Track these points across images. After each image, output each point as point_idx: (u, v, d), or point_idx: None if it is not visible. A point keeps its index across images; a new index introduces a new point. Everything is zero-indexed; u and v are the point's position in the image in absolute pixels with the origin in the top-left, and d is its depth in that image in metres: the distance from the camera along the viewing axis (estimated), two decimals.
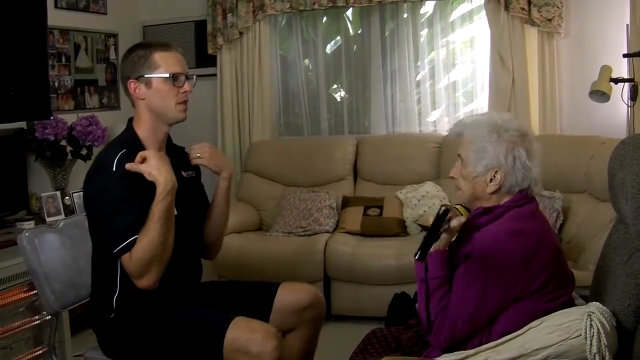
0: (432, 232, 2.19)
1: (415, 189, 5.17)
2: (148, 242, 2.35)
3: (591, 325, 1.96)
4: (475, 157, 2.29)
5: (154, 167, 2.39)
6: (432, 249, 2.22)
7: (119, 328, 2.57)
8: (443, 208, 2.21)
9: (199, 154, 2.80)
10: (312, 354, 2.94)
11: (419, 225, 4.80)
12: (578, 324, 1.98)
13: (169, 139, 2.77)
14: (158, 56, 2.58)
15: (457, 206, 2.34)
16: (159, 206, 2.38)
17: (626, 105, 4.64)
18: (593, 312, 1.99)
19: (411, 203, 5.05)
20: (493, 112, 2.39)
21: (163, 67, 2.58)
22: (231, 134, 6.03)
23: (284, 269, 4.75)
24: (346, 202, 5.30)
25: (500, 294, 2.13)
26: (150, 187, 2.49)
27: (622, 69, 4.68)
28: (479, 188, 2.32)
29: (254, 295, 2.83)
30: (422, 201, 5.01)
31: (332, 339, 3.59)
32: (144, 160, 2.42)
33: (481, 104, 5.51)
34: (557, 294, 2.18)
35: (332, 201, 5.27)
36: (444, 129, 5.63)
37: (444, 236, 2.24)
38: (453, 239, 2.35)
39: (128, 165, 2.42)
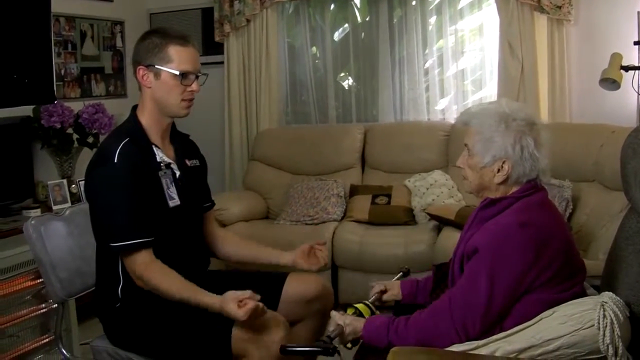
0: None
1: (423, 177, 5.15)
2: (157, 285, 2.42)
3: (604, 316, 1.94)
4: (483, 147, 2.25)
5: (234, 310, 2.29)
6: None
7: (125, 318, 2.57)
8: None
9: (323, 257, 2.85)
10: None
11: (428, 213, 4.77)
12: (591, 314, 1.95)
13: (173, 126, 2.76)
14: (173, 50, 2.56)
15: (358, 305, 2.43)
16: (191, 298, 2.39)
17: (637, 94, 4.58)
18: (606, 302, 1.96)
19: (419, 191, 5.02)
20: (502, 100, 2.34)
21: (175, 62, 2.55)
22: (238, 122, 6.01)
23: None
24: (354, 191, 5.28)
25: (510, 287, 2.08)
26: (153, 179, 2.49)
27: (632, 56, 4.62)
28: (486, 178, 2.28)
29: (261, 285, 2.80)
30: (430, 190, 4.98)
31: None
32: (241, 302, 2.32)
33: (490, 92, 5.46)
34: (569, 284, 2.14)
35: (339, 190, 5.25)
36: (452, 117, 5.60)
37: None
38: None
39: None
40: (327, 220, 5.05)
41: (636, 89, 4.54)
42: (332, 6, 6.01)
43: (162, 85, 2.57)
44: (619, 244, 2.39)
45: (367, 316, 2.40)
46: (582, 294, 2.20)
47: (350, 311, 2.43)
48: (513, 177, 2.24)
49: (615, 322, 1.93)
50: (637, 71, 4.51)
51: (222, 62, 6.00)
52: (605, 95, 4.67)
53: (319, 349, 2.20)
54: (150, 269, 2.42)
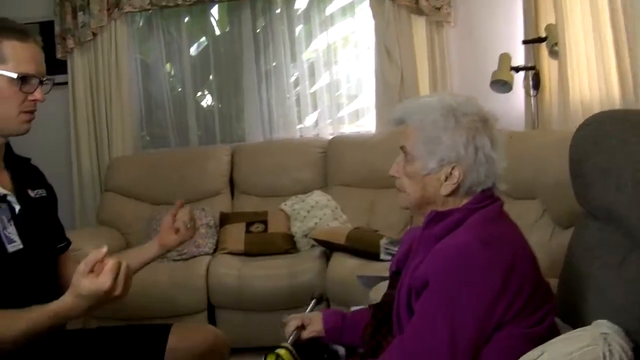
0: None
1: (302, 199, 4.75)
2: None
3: (611, 352, 1.49)
4: (426, 149, 1.78)
5: (87, 286, 1.72)
6: None
7: None
8: None
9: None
10: None
11: (313, 239, 4.34)
12: (592, 350, 1.50)
13: (9, 149, 2.18)
14: (9, 46, 2.01)
15: (280, 350, 2.01)
16: (39, 318, 1.80)
17: (524, 96, 4.45)
18: (608, 334, 1.53)
19: (299, 215, 4.60)
20: (444, 93, 1.90)
21: (12, 62, 2.00)
22: (87, 150, 5.41)
23: (160, 302, 4.17)
24: (225, 219, 4.80)
25: (477, 324, 1.62)
26: None
27: (517, 58, 4.46)
28: (430, 189, 1.81)
29: (138, 343, 2.29)
30: (312, 212, 4.58)
31: None
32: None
33: (367, 102, 5.22)
34: (541, 313, 1.69)
35: (208, 219, 4.74)
36: (326, 133, 5.29)
37: None
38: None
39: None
40: (197, 254, 4.53)
41: (527, 91, 4.39)
42: (187, 18, 5.54)
43: None
44: (577, 259, 2.02)
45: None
46: (555, 326, 1.76)
47: (270, 359, 1.97)
48: (465, 186, 1.78)
49: (625, 358, 1.50)
50: (525, 72, 4.38)
51: (66, 83, 5.35)
52: (492, 98, 4.39)
53: None
54: None
